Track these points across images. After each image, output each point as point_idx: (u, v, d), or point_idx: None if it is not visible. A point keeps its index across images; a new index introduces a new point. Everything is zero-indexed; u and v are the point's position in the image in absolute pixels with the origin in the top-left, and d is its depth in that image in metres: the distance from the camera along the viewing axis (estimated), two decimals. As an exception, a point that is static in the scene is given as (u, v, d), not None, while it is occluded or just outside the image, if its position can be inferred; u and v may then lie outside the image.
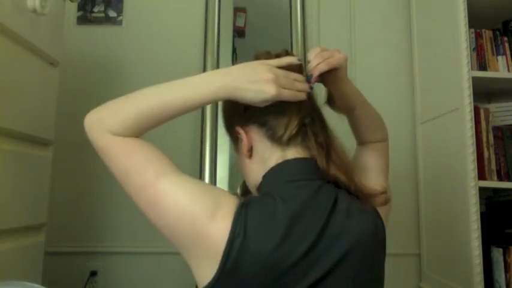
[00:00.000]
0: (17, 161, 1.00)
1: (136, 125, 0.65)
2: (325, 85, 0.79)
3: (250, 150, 0.73)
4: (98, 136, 0.66)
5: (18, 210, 1.01)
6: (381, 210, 0.73)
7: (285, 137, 0.70)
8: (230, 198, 0.64)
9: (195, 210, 0.60)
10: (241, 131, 0.74)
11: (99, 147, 0.67)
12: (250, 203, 0.64)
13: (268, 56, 0.76)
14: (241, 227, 0.60)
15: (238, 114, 0.74)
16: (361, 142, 0.87)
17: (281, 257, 0.60)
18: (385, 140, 0.88)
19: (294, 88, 0.69)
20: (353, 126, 0.87)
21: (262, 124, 0.72)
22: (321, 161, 0.70)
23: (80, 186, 1.66)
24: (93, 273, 1.59)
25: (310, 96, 0.76)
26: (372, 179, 0.78)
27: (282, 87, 0.66)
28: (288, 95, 0.67)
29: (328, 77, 0.76)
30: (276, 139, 0.71)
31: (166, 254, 1.61)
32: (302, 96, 0.70)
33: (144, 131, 0.67)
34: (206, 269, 0.61)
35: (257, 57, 0.76)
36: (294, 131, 0.70)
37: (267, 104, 0.68)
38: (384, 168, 0.83)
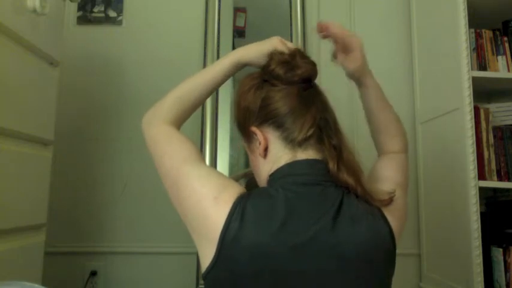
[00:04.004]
0: (17, 161, 1.00)
1: (177, 110, 0.78)
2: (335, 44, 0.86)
3: (266, 150, 0.74)
4: (153, 126, 0.77)
5: (18, 210, 1.01)
6: (394, 221, 0.69)
7: (299, 138, 0.71)
8: (236, 187, 0.67)
9: (202, 190, 0.66)
10: (257, 132, 0.74)
11: (152, 135, 0.77)
12: (252, 193, 0.66)
13: (282, 55, 0.78)
14: (238, 213, 0.62)
15: (254, 114, 0.74)
16: (380, 152, 0.88)
17: (274, 248, 0.61)
18: (403, 151, 0.87)
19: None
20: (372, 130, 0.89)
21: (279, 126, 0.72)
22: (332, 164, 0.69)
23: (80, 186, 1.65)
24: (93, 273, 1.59)
25: (323, 98, 0.77)
26: (385, 188, 0.73)
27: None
28: (290, 44, 0.80)
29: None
30: (289, 140, 0.72)
31: (166, 254, 1.61)
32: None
33: (184, 116, 0.80)
34: (207, 254, 0.63)
35: (271, 57, 0.77)
36: (309, 133, 0.71)
37: (274, 49, 0.78)
38: (400, 181, 0.79)
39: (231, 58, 0.80)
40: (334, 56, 0.84)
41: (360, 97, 0.88)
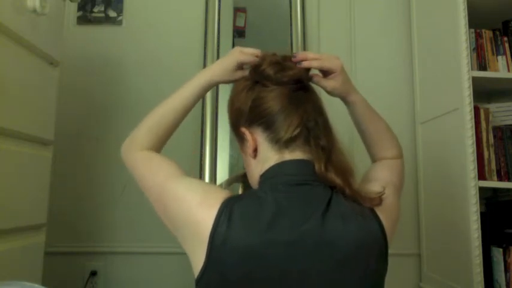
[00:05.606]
0: (17, 161, 1.00)
1: (152, 136, 0.80)
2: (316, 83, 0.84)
3: (255, 150, 0.75)
4: (130, 154, 0.80)
5: (18, 210, 1.01)
6: (386, 220, 0.69)
7: (285, 138, 0.71)
8: (221, 191, 0.69)
9: (188, 199, 0.67)
10: (246, 132, 0.75)
11: (130, 162, 0.80)
12: (240, 196, 0.67)
13: (273, 56, 0.79)
14: (225, 215, 0.63)
15: (245, 115, 0.75)
16: (374, 159, 0.89)
17: (262, 249, 0.61)
18: (398, 157, 0.88)
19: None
20: (364, 142, 0.90)
21: (268, 127, 0.73)
22: (319, 164, 0.70)
23: (80, 186, 1.65)
24: (93, 273, 1.59)
25: (315, 100, 0.77)
26: (377, 188, 0.73)
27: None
28: (250, 50, 0.81)
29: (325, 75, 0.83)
30: (276, 141, 0.72)
31: (166, 254, 1.61)
32: (259, 52, 0.81)
33: (161, 140, 0.82)
34: (200, 258, 0.63)
35: (263, 57, 0.78)
36: (295, 133, 0.71)
37: (237, 63, 0.80)
38: (393, 181, 0.79)
39: (199, 82, 0.82)
40: (310, 78, 0.82)
41: (349, 114, 0.88)
